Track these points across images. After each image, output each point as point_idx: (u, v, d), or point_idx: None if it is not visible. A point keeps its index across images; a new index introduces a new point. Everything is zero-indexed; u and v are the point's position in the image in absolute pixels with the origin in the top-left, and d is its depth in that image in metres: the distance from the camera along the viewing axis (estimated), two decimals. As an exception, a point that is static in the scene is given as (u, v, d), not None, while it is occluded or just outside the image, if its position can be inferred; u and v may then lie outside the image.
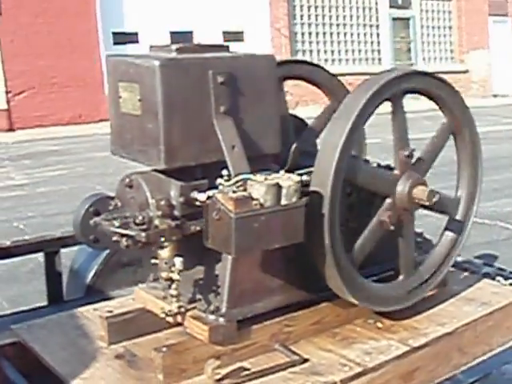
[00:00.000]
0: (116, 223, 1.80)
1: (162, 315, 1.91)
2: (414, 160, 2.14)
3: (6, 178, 8.69)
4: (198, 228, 1.81)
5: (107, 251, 2.66)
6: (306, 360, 1.97)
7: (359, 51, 17.78)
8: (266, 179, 1.71)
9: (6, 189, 8.00)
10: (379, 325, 2.20)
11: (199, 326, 1.88)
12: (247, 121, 1.92)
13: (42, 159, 9.89)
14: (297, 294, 2.04)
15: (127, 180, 1.90)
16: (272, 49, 15.68)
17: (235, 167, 1.79)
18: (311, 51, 16.81)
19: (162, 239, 1.78)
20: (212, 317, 1.88)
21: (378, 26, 18.17)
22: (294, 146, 2.12)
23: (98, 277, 2.67)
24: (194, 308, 1.95)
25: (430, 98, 2.22)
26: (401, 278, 2.21)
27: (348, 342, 2.10)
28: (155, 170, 1.90)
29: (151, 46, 1.98)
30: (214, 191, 1.74)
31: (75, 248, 2.74)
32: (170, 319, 1.92)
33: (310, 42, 16.83)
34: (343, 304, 2.14)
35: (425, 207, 2.16)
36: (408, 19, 18.96)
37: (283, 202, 1.72)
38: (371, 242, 2.08)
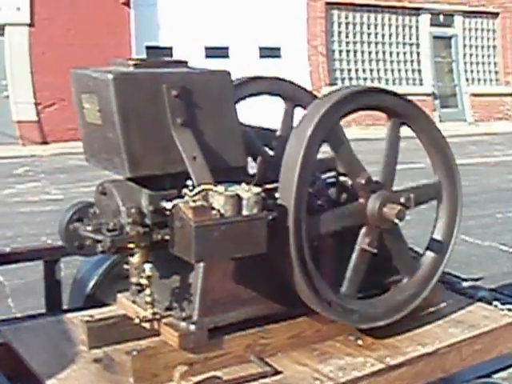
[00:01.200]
0: (89, 229, 1.86)
1: (137, 321, 1.95)
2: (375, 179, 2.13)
3: (41, 192, 8.73)
4: (167, 236, 1.85)
5: (109, 262, 2.70)
6: (278, 372, 1.98)
7: (399, 71, 17.51)
8: (225, 190, 1.75)
9: (40, 203, 8.03)
10: (360, 342, 2.19)
11: (170, 332, 1.92)
12: (206, 133, 1.97)
13: (78, 174, 9.79)
14: (271, 306, 2.06)
15: (100, 188, 1.96)
16: (309, 67, 15.60)
17: (198, 178, 1.84)
18: (349, 70, 16.65)
19: (132, 245, 1.83)
20: (183, 324, 1.92)
21: (418, 45, 17.92)
22: (259, 158, 2.14)
23: (98, 287, 2.70)
24: (169, 315, 1.99)
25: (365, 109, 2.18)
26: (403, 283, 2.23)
27: (325, 357, 2.10)
28: (128, 179, 1.95)
29: (113, 60, 2.06)
30: (179, 200, 1.78)
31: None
32: (145, 325, 1.96)
33: (349, 61, 16.67)
34: (323, 319, 2.14)
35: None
36: (450, 38, 18.67)
37: (244, 212, 1.76)
38: (360, 272, 2.11)
